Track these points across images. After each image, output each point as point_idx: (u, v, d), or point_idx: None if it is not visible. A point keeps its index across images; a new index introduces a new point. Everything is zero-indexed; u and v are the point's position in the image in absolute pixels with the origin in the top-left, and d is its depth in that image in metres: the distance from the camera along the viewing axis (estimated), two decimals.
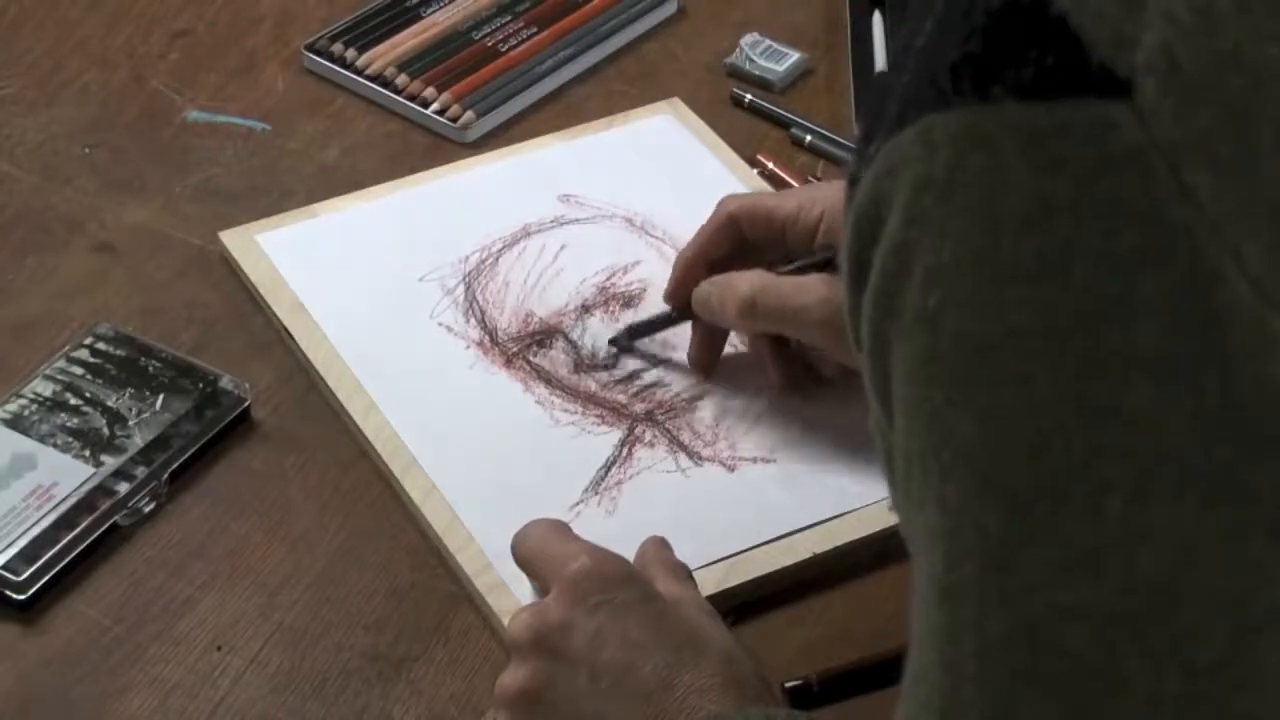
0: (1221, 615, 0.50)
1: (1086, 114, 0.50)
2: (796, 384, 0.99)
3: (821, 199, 0.98)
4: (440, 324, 1.04)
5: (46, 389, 0.97)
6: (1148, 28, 0.50)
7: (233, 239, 1.08)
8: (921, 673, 0.54)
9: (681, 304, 1.00)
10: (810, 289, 0.94)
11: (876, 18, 1.27)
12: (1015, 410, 0.51)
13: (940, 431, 0.52)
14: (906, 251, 0.53)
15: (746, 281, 0.96)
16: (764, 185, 1.14)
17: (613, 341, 1.02)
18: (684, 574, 0.87)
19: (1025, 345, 0.51)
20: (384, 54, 1.23)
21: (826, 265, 0.94)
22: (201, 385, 0.98)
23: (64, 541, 0.90)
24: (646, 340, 1.03)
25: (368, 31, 1.25)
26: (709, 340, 1.01)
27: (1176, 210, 0.50)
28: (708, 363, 1.01)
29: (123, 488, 0.93)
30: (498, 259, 1.08)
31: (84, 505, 0.92)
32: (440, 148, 1.18)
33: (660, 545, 0.88)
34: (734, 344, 1.03)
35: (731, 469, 0.96)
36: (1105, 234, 0.50)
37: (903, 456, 0.55)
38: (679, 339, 1.03)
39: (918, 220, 0.52)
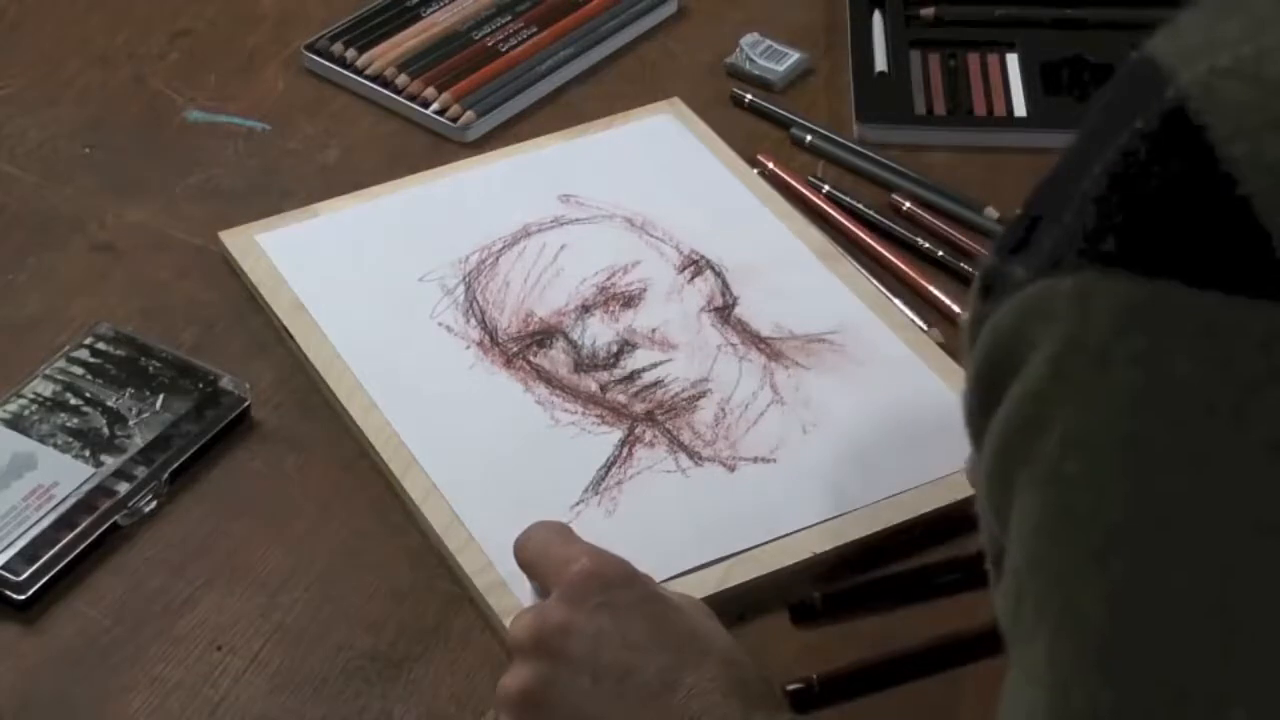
0: None
1: (1265, 317, 0.48)
2: None
3: None
4: (440, 324, 1.03)
5: (46, 389, 0.97)
6: None
7: (233, 239, 1.08)
8: None
9: None
10: None
11: (876, 18, 1.27)
12: (1149, 602, 0.49)
13: (1063, 595, 0.51)
14: (1047, 404, 0.51)
15: None
16: (764, 185, 1.14)
17: None
18: None
19: (1168, 540, 0.49)
20: (384, 54, 1.23)
21: None
22: (201, 385, 0.98)
23: (64, 541, 0.90)
24: (646, 341, 1.03)
25: (368, 31, 1.25)
26: None
27: None
28: None
29: (123, 488, 0.93)
30: (498, 259, 1.08)
31: (84, 505, 0.92)
32: (440, 148, 1.18)
33: None
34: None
35: (731, 469, 0.96)
36: (1267, 444, 0.48)
37: (1017, 584, 0.53)
38: (679, 338, 1.03)
39: (1064, 378, 0.51)
